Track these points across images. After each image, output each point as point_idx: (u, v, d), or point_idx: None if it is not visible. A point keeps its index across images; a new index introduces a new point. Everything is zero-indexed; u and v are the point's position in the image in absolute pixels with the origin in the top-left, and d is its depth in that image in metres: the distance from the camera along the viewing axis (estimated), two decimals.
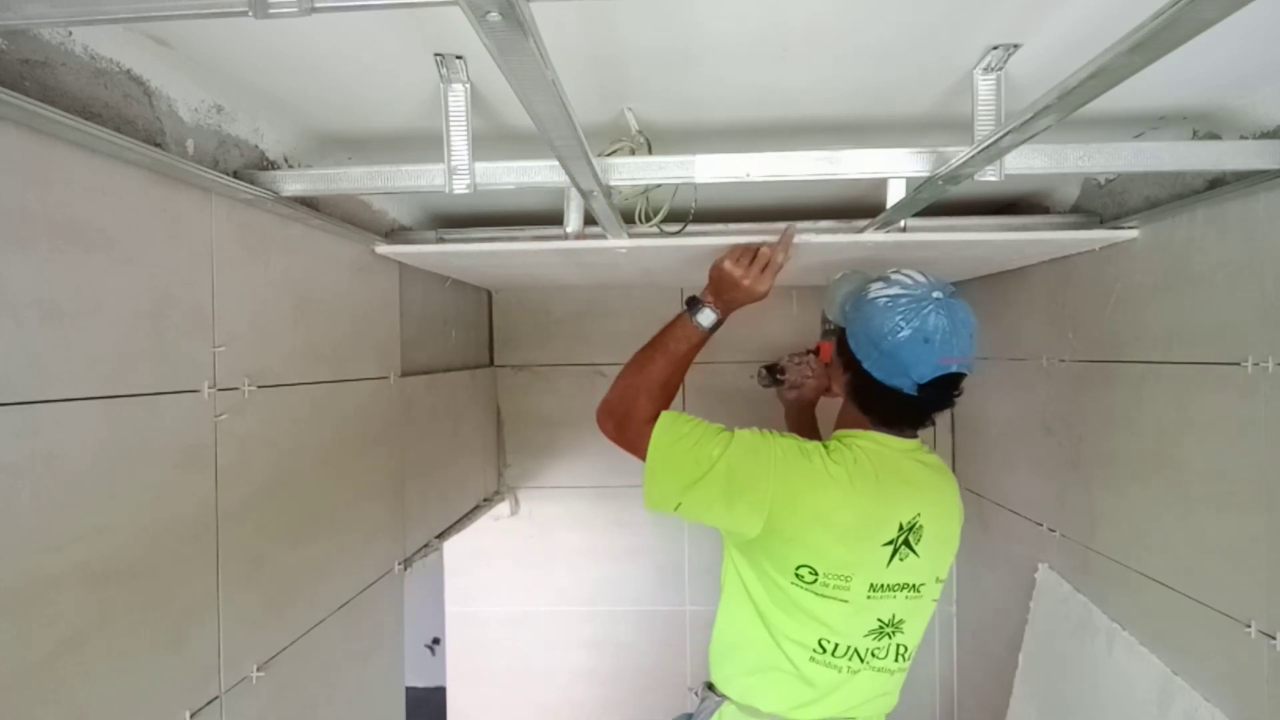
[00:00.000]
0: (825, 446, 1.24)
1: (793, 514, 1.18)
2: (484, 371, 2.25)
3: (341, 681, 1.32)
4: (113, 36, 0.84)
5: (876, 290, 1.21)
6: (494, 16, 0.51)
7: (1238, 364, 1.07)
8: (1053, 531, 1.65)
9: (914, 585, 1.23)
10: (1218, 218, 1.13)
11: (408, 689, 1.67)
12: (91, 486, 0.77)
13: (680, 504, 1.21)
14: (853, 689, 1.25)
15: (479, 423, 2.18)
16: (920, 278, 1.21)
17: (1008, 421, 1.90)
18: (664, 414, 1.27)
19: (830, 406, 1.41)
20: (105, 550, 0.79)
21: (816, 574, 1.20)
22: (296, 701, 1.16)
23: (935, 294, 1.18)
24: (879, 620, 1.23)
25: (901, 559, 1.21)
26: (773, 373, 1.78)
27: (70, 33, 0.79)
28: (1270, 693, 1.03)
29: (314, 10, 0.59)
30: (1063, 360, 1.59)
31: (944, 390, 1.20)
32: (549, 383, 2.35)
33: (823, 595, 1.20)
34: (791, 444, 1.22)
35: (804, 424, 1.71)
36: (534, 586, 2.40)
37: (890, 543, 1.20)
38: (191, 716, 0.91)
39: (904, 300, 1.19)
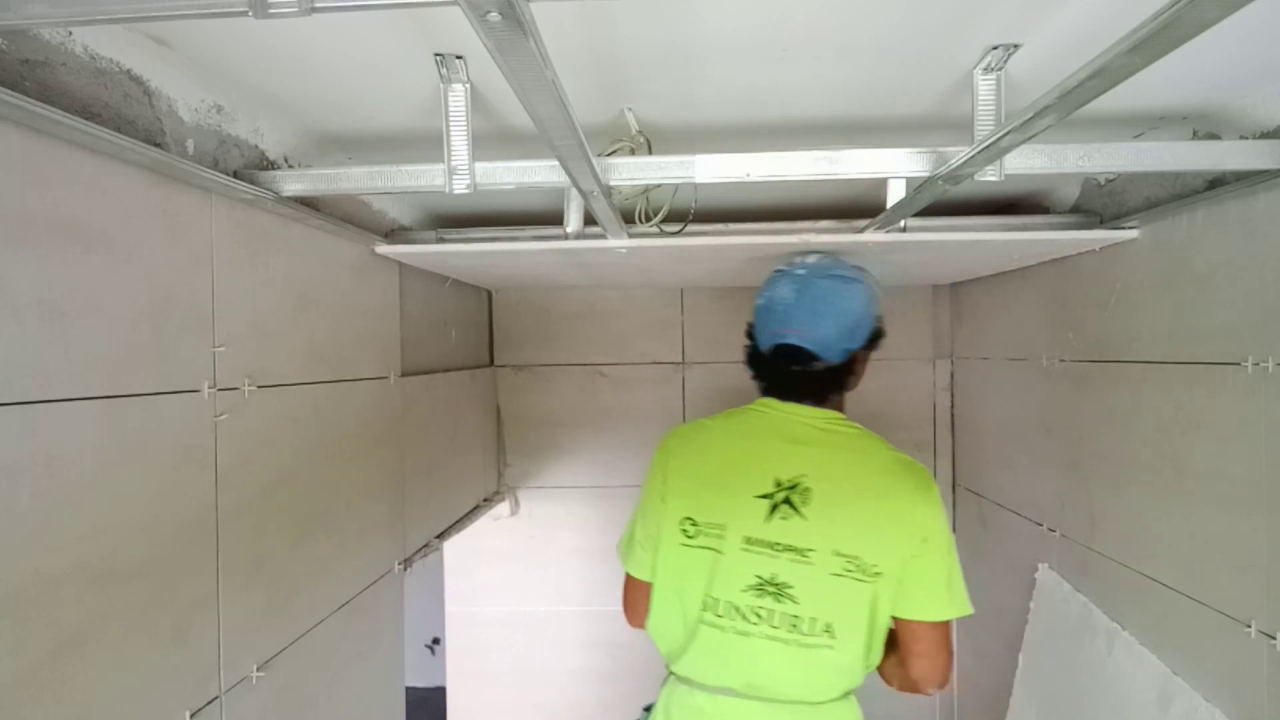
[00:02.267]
0: (714, 414, 1.41)
1: (674, 475, 1.35)
2: (484, 371, 2.25)
3: (341, 681, 1.32)
4: (113, 36, 0.84)
5: (778, 265, 1.39)
6: (494, 16, 0.51)
7: (1238, 364, 1.07)
8: (1053, 531, 1.65)
9: (799, 549, 1.24)
10: (1218, 218, 1.13)
11: (408, 689, 1.67)
12: (91, 487, 0.77)
13: (638, 554, 1.38)
14: (751, 656, 1.26)
15: (479, 423, 2.18)
16: (811, 260, 1.37)
17: (1008, 421, 1.90)
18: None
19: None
20: (105, 550, 0.79)
21: (698, 524, 1.30)
22: (296, 701, 1.16)
23: (798, 270, 1.33)
24: (758, 577, 1.25)
25: (784, 518, 1.24)
26: None
27: (70, 33, 0.79)
28: (1270, 693, 1.03)
29: (314, 10, 0.59)
30: (1063, 360, 1.59)
31: (786, 359, 1.31)
32: (549, 383, 2.35)
33: (705, 547, 1.29)
34: (672, 433, 1.41)
35: None
36: (534, 586, 2.40)
37: (767, 496, 1.26)
38: (192, 716, 0.91)
39: (775, 273, 1.37)
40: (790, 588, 1.24)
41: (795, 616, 1.24)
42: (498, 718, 2.43)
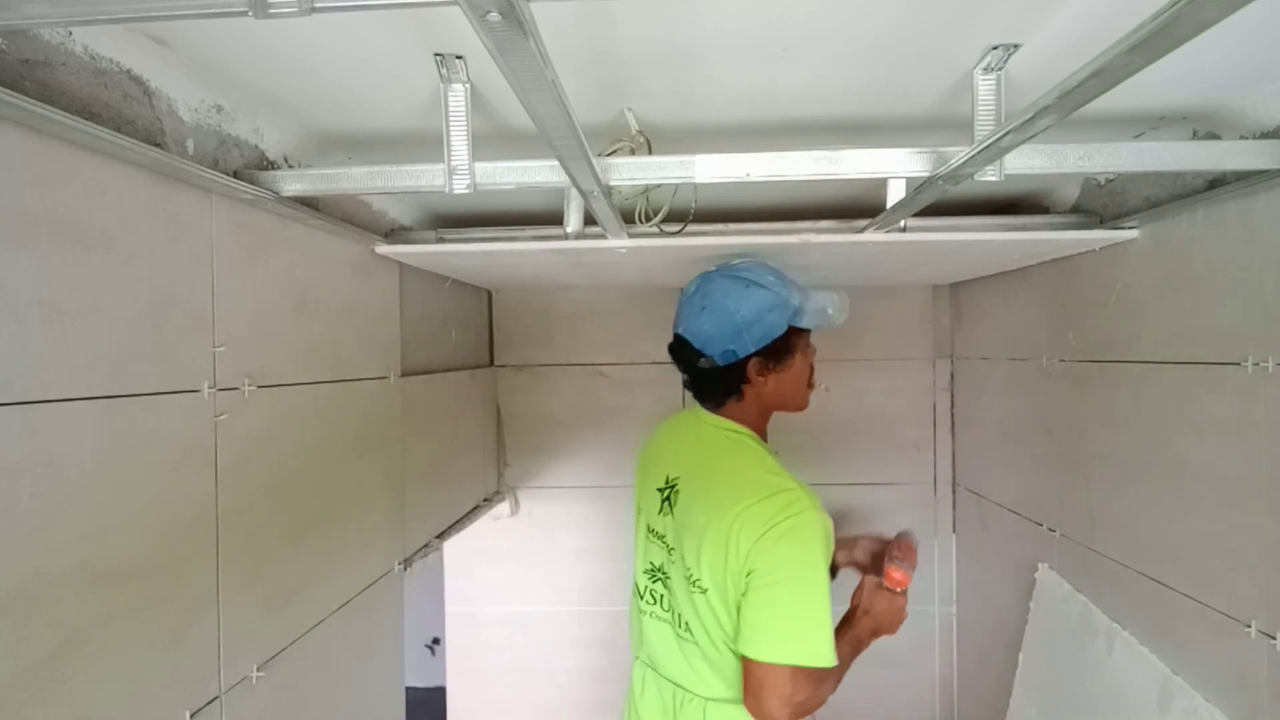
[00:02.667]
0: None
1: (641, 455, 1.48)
2: (484, 371, 2.25)
3: (341, 681, 1.32)
4: (113, 36, 0.84)
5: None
6: (494, 16, 0.51)
7: (1238, 364, 1.07)
8: (1053, 531, 1.65)
9: (669, 546, 1.31)
10: (1218, 218, 1.13)
11: (408, 689, 1.67)
12: (91, 487, 0.77)
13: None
14: (648, 632, 1.36)
15: (479, 423, 2.18)
16: (738, 260, 1.39)
17: (1008, 421, 1.90)
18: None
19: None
20: (105, 550, 0.79)
21: (640, 509, 1.43)
22: (296, 701, 1.16)
23: (711, 269, 1.36)
24: (650, 563, 1.37)
25: (664, 514, 1.33)
26: None
27: (70, 33, 0.79)
28: (1270, 693, 1.03)
29: (314, 10, 0.59)
30: (1063, 360, 1.59)
31: (678, 353, 1.36)
32: (549, 383, 2.35)
33: (636, 527, 1.40)
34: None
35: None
36: (534, 586, 2.40)
37: (660, 490, 1.36)
38: (192, 716, 0.91)
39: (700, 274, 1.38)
40: (669, 579, 1.32)
41: (677, 611, 1.30)
42: (498, 718, 2.43)
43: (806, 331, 1.34)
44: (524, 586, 2.40)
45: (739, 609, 1.16)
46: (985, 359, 2.03)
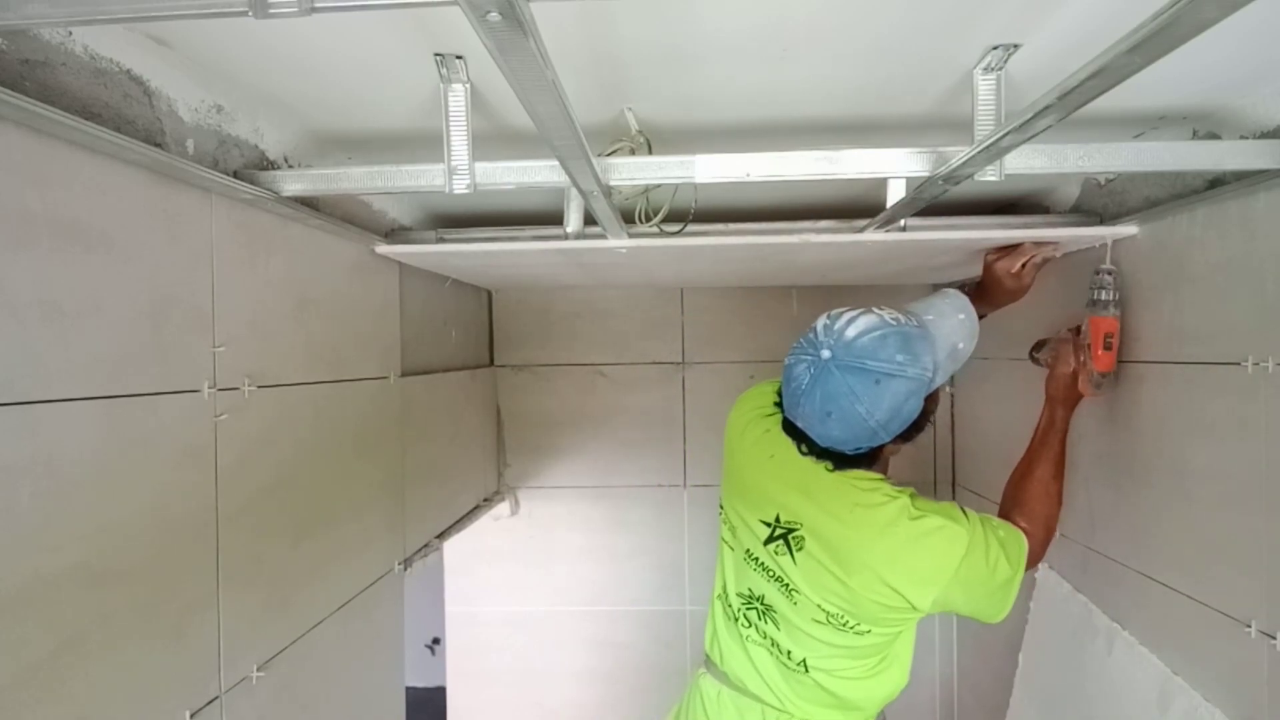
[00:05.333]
0: (770, 415, 1.34)
1: (725, 441, 1.39)
2: (484, 371, 2.25)
3: (341, 681, 1.32)
4: (113, 36, 0.84)
5: (820, 320, 1.18)
6: (494, 16, 0.51)
7: (1238, 364, 1.07)
8: None
9: (787, 585, 1.26)
10: (1218, 217, 1.13)
11: (408, 689, 1.67)
12: (91, 487, 0.77)
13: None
14: (746, 657, 1.31)
15: (479, 423, 2.18)
16: (850, 333, 1.12)
17: (1008, 421, 1.90)
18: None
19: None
20: (105, 550, 0.79)
21: (723, 509, 1.37)
22: (296, 701, 1.16)
23: (824, 353, 1.11)
24: (749, 589, 1.30)
25: (778, 552, 1.25)
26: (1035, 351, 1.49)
27: (70, 33, 0.79)
28: (1270, 693, 1.02)
29: (314, 10, 0.59)
30: None
31: (796, 434, 1.20)
32: (549, 383, 2.35)
33: (723, 536, 1.36)
34: (769, 389, 1.36)
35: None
36: (534, 586, 2.40)
37: (767, 525, 1.27)
38: (192, 716, 0.91)
39: (806, 337, 1.17)
40: (774, 613, 1.28)
41: (774, 642, 1.28)
42: (498, 718, 2.43)
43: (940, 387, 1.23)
44: (524, 586, 2.40)
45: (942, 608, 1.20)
46: (985, 359, 2.03)
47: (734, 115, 1.16)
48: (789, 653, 1.26)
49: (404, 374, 1.59)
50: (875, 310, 1.16)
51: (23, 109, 0.67)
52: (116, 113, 0.85)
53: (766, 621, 1.28)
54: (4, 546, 0.68)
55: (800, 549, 1.22)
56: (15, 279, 0.69)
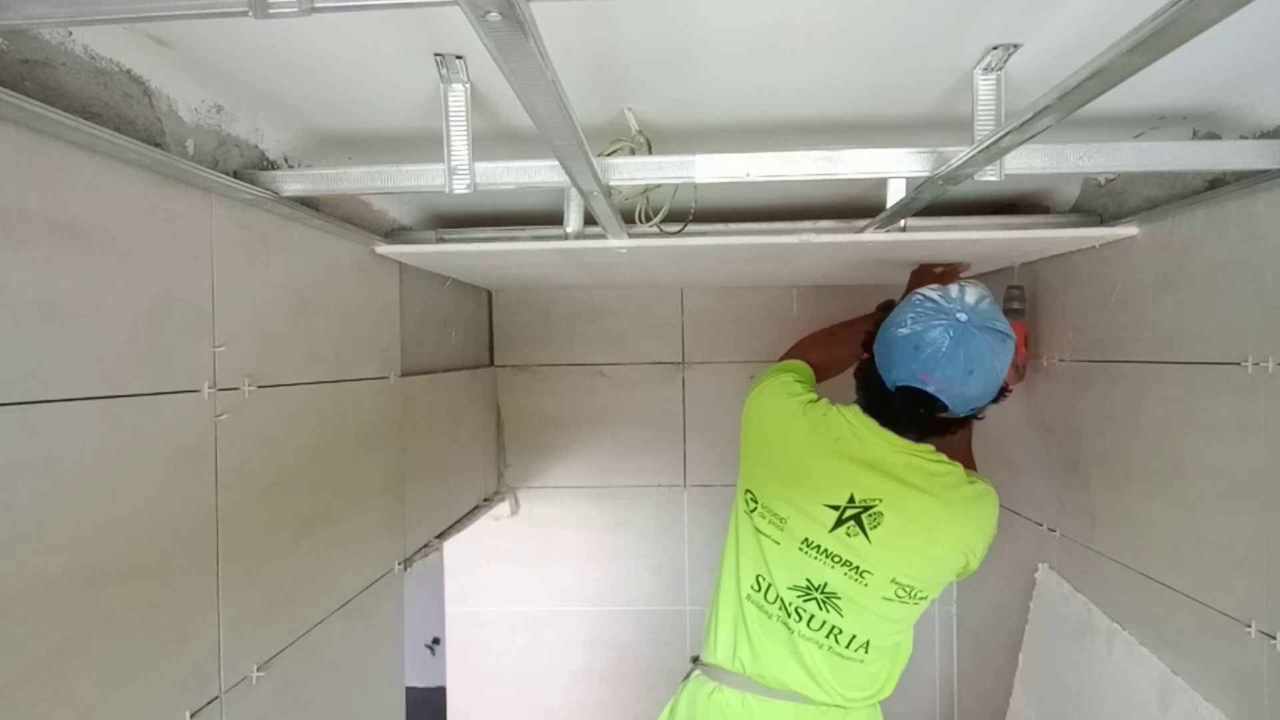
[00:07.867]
0: (814, 401, 1.35)
1: (751, 440, 1.35)
2: (484, 371, 2.25)
3: (341, 681, 1.32)
4: (113, 36, 0.84)
5: (930, 291, 1.26)
6: (494, 16, 0.51)
7: (1238, 364, 1.07)
8: (1053, 531, 1.65)
9: (857, 567, 1.26)
10: (1218, 217, 1.13)
11: (408, 689, 1.67)
12: (91, 487, 0.77)
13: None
14: (793, 651, 1.29)
15: (479, 423, 2.18)
16: (971, 299, 1.23)
17: (1008, 421, 1.90)
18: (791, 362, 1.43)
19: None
20: (105, 550, 0.79)
21: (756, 503, 1.32)
22: (296, 701, 1.16)
23: (959, 315, 1.19)
24: (808, 580, 1.28)
25: (849, 534, 1.25)
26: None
27: (70, 33, 0.79)
28: (1270, 693, 1.03)
29: (314, 10, 0.59)
30: (1063, 360, 1.59)
31: (912, 402, 1.23)
32: (549, 383, 2.35)
33: (760, 530, 1.31)
34: (788, 378, 1.36)
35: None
36: (534, 586, 2.40)
37: (836, 509, 1.26)
38: (192, 716, 0.91)
39: (929, 305, 1.23)
40: (838, 599, 1.27)
41: (836, 629, 1.27)
42: (498, 718, 2.43)
43: None
44: (524, 586, 2.40)
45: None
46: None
47: (734, 115, 1.16)
48: (852, 638, 1.27)
49: (404, 374, 1.59)
50: (968, 282, 1.29)
51: (23, 109, 0.67)
52: (116, 113, 0.85)
53: (828, 609, 1.27)
54: (4, 546, 0.68)
55: (876, 526, 1.24)
56: (15, 279, 0.69)
